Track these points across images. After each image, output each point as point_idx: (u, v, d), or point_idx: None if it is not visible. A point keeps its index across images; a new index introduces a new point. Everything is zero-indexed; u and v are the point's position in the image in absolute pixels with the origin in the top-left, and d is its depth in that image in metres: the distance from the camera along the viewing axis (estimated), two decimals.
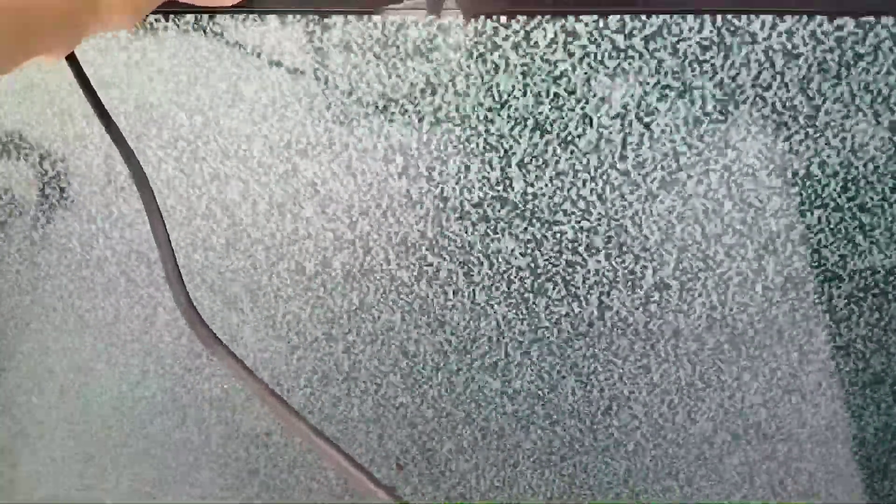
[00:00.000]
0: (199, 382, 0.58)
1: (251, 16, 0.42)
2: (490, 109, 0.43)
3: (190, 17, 0.43)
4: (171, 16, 0.42)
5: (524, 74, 0.42)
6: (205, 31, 0.43)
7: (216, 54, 0.43)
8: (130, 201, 0.54)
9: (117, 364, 0.58)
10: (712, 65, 0.41)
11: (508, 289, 0.52)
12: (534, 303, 0.52)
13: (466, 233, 0.49)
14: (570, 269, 0.50)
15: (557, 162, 0.44)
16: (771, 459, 0.57)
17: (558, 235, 0.48)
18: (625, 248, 0.48)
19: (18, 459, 0.69)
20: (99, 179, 0.54)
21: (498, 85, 0.42)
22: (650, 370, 0.54)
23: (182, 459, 0.63)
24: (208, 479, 0.64)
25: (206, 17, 0.42)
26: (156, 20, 0.43)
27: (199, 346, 0.54)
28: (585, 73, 0.42)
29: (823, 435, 0.54)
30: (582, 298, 0.52)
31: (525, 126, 0.44)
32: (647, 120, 0.43)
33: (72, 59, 0.37)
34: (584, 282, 0.50)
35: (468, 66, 0.42)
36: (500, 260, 0.50)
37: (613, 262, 0.49)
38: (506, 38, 0.41)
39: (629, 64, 0.41)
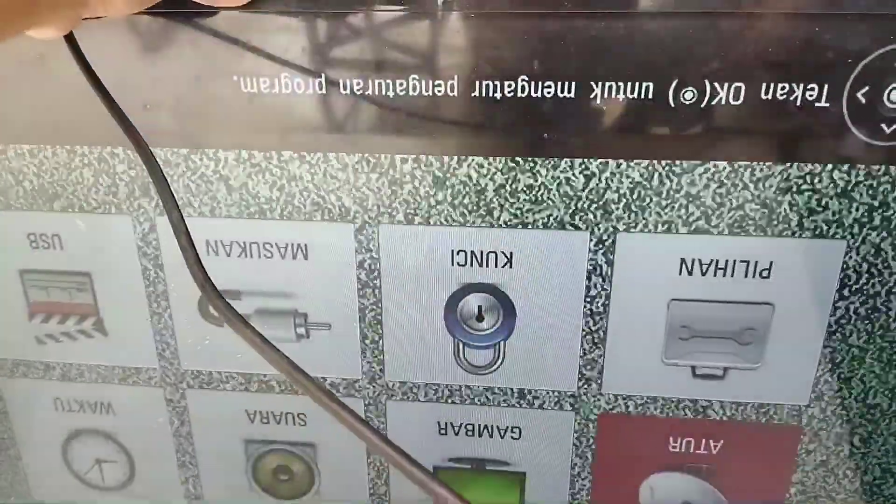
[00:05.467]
0: (199, 382, 0.58)
1: (254, 15, 0.42)
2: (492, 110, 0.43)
3: (192, 14, 0.43)
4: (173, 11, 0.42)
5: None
6: (207, 29, 0.43)
7: (218, 52, 0.43)
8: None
9: (116, 364, 0.58)
10: None
11: None
12: None
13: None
14: None
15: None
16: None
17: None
18: None
19: (18, 459, 0.69)
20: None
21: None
22: None
23: (181, 459, 0.63)
24: (208, 479, 0.64)
25: (208, 14, 0.42)
26: (157, 14, 0.42)
27: (201, 345, 0.54)
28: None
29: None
30: None
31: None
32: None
33: (70, 39, 0.36)
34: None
35: (468, 67, 0.42)
36: None
37: None
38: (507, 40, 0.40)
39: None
